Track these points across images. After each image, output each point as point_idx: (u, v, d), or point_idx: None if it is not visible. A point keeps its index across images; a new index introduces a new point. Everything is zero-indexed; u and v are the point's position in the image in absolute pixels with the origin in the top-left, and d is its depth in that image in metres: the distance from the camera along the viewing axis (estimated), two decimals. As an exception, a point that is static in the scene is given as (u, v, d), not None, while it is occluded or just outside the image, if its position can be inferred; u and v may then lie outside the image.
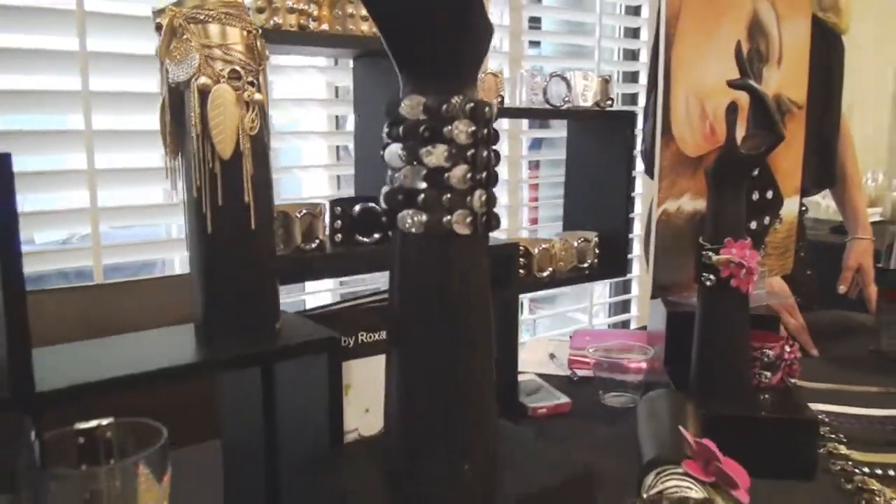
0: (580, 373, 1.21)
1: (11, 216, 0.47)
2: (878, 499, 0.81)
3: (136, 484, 0.41)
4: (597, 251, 0.92)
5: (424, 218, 0.46)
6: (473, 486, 0.48)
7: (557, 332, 2.19)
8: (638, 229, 2.21)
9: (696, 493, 0.62)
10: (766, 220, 1.10)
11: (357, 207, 0.74)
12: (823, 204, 2.94)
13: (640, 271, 2.35)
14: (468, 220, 0.46)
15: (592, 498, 0.53)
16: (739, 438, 0.85)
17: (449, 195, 0.46)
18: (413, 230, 0.46)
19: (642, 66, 2.29)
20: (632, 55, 2.38)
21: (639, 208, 2.25)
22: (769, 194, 1.10)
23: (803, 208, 1.73)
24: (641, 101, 2.24)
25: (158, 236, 1.67)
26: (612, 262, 0.94)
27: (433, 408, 0.48)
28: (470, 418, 0.49)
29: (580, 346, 1.25)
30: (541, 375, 1.20)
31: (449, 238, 0.46)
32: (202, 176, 0.55)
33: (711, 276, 0.89)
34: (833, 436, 0.97)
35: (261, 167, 0.57)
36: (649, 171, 1.21)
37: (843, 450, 0.93)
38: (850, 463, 0.90)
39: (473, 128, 0.46)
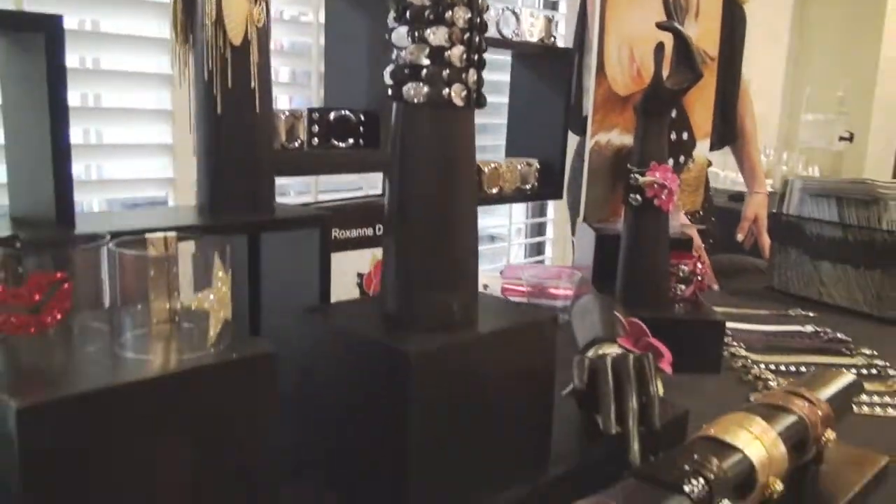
0: (513, 300, 1.32)
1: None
2: (772, 383, 0.95)
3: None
4: (537, 175, 1.03)
5: (426, 90, 0.54)
6: (459, 318, 0.57)
7: (489, 267, 2.33)
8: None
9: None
10: (682, 158, 1.24)
11: (333, 115, 0.81)
12: (722, 175, 3.18)
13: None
14: (463, 93, 0.55)
15: (554, 339, 0.63)
16: (660, 339, 0.97)
17: (448, 71, 0.54)
18: (416, 100, 0.55)
19: (560, 16, 2.45)
20: (552, 5, 2.55)
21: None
22: (684, 136, 1.23)
23: (709, 164, 1.90)
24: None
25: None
26: (549, 186, 1.05)
27: (429, 259, 0.57)
28: (459, 268, 0.58)
29: (512, 276, 1.36)
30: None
31: (447, 108, 0.55)
32: (214, 60, 0.62)
33: (638, 197, 1.01)
34: (734, 343, 1.12)
35: (264, 56, 0.64)
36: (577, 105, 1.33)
37: (742, 352, 1.08)
38: (749, 361, 1.04)
39: (469, 14, 0.54)
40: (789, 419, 0.63)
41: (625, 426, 0.63)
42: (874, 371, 1.03)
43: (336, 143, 0.81)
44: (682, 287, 1.08)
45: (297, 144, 0.78)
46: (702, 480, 0.51)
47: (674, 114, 1.20)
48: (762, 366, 1.03)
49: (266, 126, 0.66)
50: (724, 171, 3.15)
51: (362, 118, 0.82)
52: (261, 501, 0.48)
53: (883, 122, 3.97)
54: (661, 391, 0.79)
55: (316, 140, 0.80)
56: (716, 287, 1.52)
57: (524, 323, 0.61)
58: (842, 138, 3.77)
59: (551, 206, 2.58)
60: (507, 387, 0.60)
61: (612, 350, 0.76)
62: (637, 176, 1.00)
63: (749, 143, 1.85)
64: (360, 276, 0.85)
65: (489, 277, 1.47)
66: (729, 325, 1.21)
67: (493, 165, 0.96)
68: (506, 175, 1.00)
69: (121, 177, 1.57)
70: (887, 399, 0.93)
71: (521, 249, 2.69)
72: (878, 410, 0.90)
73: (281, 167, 0.75)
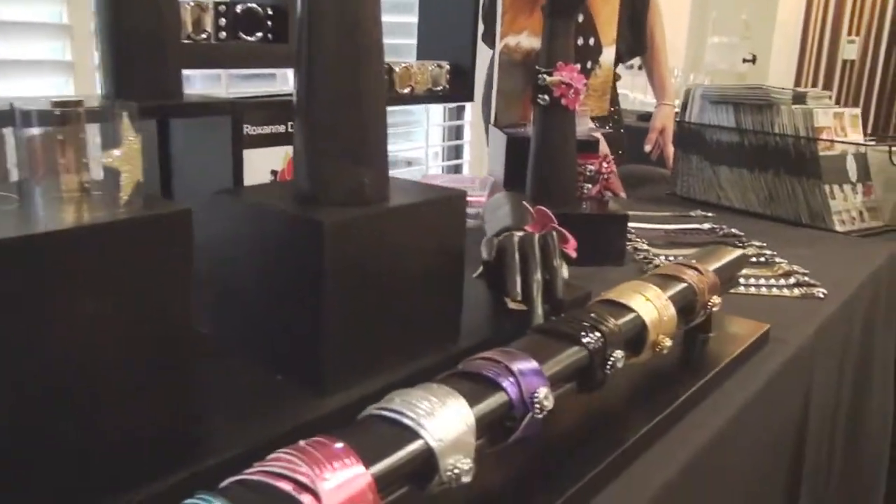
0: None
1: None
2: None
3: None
4: (448, 77, 1.04)
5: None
6: (371, 194, 0.59)
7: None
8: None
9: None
10: (588, 64, 1.27)
11: (239, 7, 0.80)
12: (632, 96, 3.25)
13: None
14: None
15: (463, 214, 0.66)
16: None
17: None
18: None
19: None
20: None
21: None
22: (591, 41, 1.26)
23: (618, 78, 1.95)
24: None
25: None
26: (461, 88, 1.06)
27: (339, 135, 0.58)
28: (368, 144, 0.59)
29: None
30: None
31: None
32: (112, -61, 0.60)
33: (545, 97, 1.04)
34: (637, 239, 1.18)
35: (166, -62, 0.63)
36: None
37: (644, 246, 1.14)
38: (650, 254, 1.11)
39: None
40: (679, 286, 0.69)
41: (529, 298, 0.67)
42: (762, 259, 1.11)
43: (244, 36, 0.80)
44: (589, 186, 1.13)
45: (203, 37, 0.77)
46: (597, 334, 0.56)
47: (581, 18, 1.22)
48: (662, 257, 1.09)
49: (173, 13, 0.65)
50: (633, 93, 3.23)
51: (269, 11, 0.82)
52: (183, 368, 0.50)
53: (783, 45, 4.12)
54: (566, 273, 0.83)
55: (223, 33, 0.79)
56: (622, 195, 1.59)
57: (434, 199, 0.63)
58: (745, 60, 3.91)
59: (468, 108, 2.58)
60: (419, 260, 0.63)
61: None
62: (544, 76, 1.03)
63: (658, 55, 1.90)
64: (273, 173, 0.85)
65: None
66: (632, 224, 1.27)
67: (403, 65, 0.97)
68: (417, 76, 1.01)
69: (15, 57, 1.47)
70: (773, 281, 1.01)
71: (439, 171, 2.71)
72: (763, 290, 0.98)
73: (188, 59, 0.74)
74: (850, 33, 4.12)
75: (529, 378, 0.48)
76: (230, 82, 1.80)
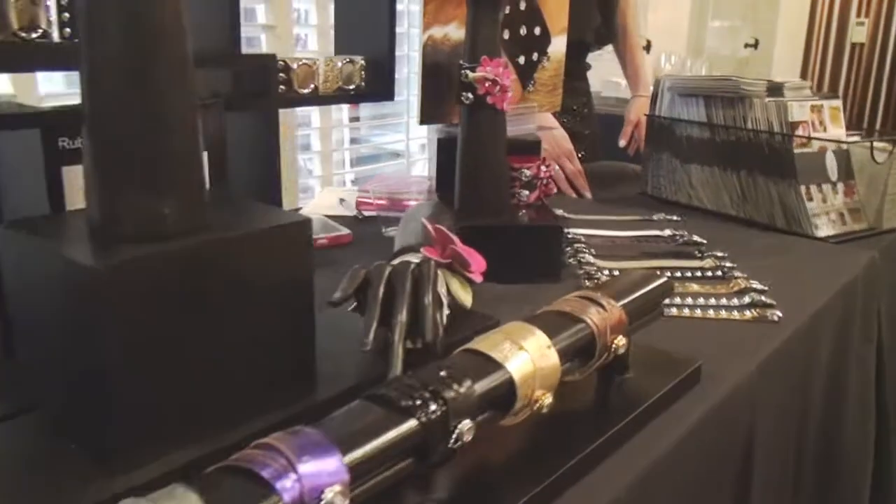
0: (367, 213, 1.25)
1: None
2: (609, 290, 0.91)
3: None
4: (363, 73, 0.93)
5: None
6: (177, 225, 0.49)
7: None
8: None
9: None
10: (535, 56, 1.16)
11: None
12: (623, 83, 3.11)
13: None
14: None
15: (308, 244, 0.55)
16: (495, 248, 0.91)
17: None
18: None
19: None
20: None
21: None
22: (537, 30, 1.15)
23: (589, 66, 1.83)
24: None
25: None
26: (379, 85, 0.95)
27: (131, 159, 0.48)
28: (170, 167, 0.49)
29: (367, 189, 1.28)
30: (330, 217, 1.23)
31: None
32: None
33: (469, 95, 0.93)
34: (586, 249, 1.07)
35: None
36: None
37: (590, 258, 1.03)
38: (594, 268, 0.99)
39: None
40: (574, 328, 0.58)
41: (391, 344, 0.57)
42: (719, 273, 0.99)
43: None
44: (526, 192, 1.01)
45: (37, 34, 0.67)
46: (435, 405, 0.45)
47: (523, 5, 1.11)
48: (606, 272, 0.98)
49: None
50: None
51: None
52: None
53: (788, 27, 3.96)
54: (468, 302, 0.73)
55: (68, 30, 0.69)
56: (588, 195, 1.47)
57: (265, 229, 0.53)
58: (747, 45, 3.75)
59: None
60: (249, 300, 0.52)
61: (415, 260, 0.69)
62: (468, 72, 0.92)
63: (631, 42, 1.77)
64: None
65: (348, 192, 1.39)
66: (584, 231, 1.16)
67: (303, 62, 0.86)
68: (325, 73, 0.90)
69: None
70: (724, 301, 0.89)
71: (425, 165, 2.59)
72: (710, 313, 0.87)
73: (16, 62, 0.64)
74: (858, 15, 3.95)
75: (315, 477, 0.37)
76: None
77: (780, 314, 0.85)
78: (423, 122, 1.02)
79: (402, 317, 0.58)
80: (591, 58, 1.80)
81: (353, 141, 2.41)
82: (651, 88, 1.87)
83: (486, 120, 0.94)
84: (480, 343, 0.52)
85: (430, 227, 0.74)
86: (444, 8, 0.99)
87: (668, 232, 1.18)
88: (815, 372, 0.96)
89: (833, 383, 1.03)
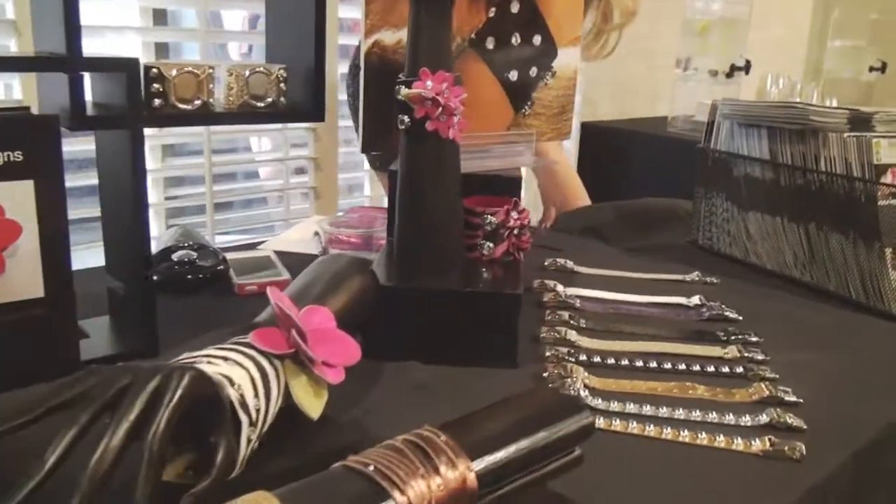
0: (334, 251, 1.05)
1: None
2: (575, 384, 0.67)
3: None
4: (283, 87, 0.74)
5: None
6: None
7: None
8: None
9: (214, 367, 0.46)
10: (533, 71, 0.93)
11: None
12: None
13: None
14: None
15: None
16: (428, 318, 0.70)
17: None
18: None
19: None
20: None
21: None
22: (536, 40, 0.92)
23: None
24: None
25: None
26: (304, 102, 0.76)
27: None
28: None
29: (340, 223, 1.08)
30: (293, 253, 1.04)
31: None
32: None
33: (405, 118, 0.71)
34: (574, 320, 0.82)
35: None
36: None
37: (572, 335, 0.78)
38: (572, 349, 0.75)
39: None
40: None
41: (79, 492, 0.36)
42: (739, 370, 0.73)
43: None
44: (490, 245, 0.79)
45: None
46: None
47: (515, 7, 0.88)
48: (583, 356, 0.74)
49: None
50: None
51: None
52: None
53: (924, 50, 3.48)
54: (314, 411, 0.52)
55: None
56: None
57: None
58: (872, 68, 3.31)
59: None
60: None
61: (231, 355, 0.49)
62: (402, 87, 0.70)
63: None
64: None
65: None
66: (584, 292, 0.92)
67: (186, 69, 0.67)
68: (227, 84, 0.71)
69: None
70: (730, 418, 0.63)
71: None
72: (702, 439, 0.61)
73: None
74: None
75: None
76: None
77: (805, 450, 0.59)
78: (364, 149, 0.81)
79: (106, 458, 0.37)
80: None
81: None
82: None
83: (428, 150, 0.72)
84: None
85: (272, 299, 0.53)
86: (396, 7, 0.79)
87: (695, 300, 0.91)
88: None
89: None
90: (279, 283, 0.90)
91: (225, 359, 0.47)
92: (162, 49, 1.89)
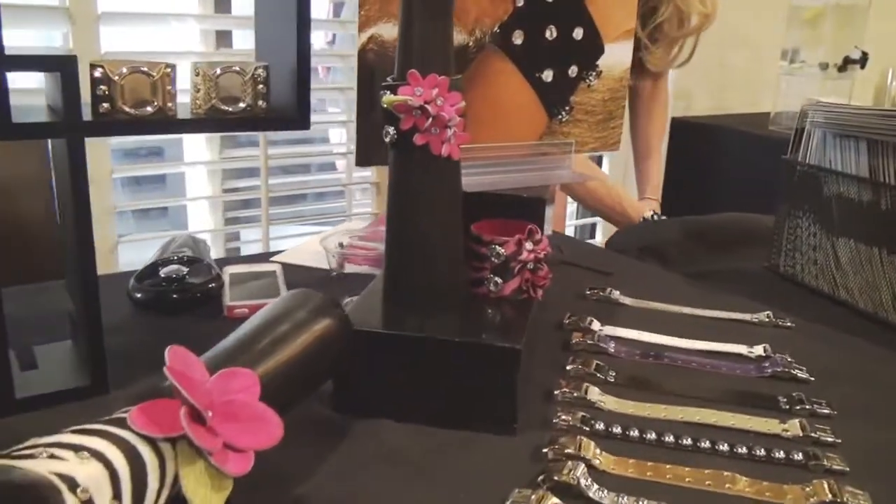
0: (350, 269, 0.95)
1: None
2: (564, 470, 0.53)
3: None
4: (261, 88, 0.64)
5: None
6: None
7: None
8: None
9: (73, 465, 0.36)
10: (573, 69, 0.79)
11: None
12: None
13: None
14: None
15: None
16: (412, 370, 0.58)
17: None
18: None
19: None
20: None
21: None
22: (577, 33, 0.78)
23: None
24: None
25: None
26: (283, 105, 0.65)
27: None
28: None
29: (358, 237, 0.98)
30: (299, 268, 0.95)
31: None
32: None
33: (390, 129, 0.59)
34: (600, 372, 0.69)
35: None
36: None
37: (594, 393, 0.65)
38: (589, 412, 0.62)
39: None
40: None
41: None
42: (798, 456, 0.57)
43: None
44: (499, 281, 0.66)
45: None
46: None
47: (550, -4, 0.75)
48: (601, 424, 0.60)
49: None
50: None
51: None
52: None
53: None
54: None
55: None
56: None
57: None
58: None
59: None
60: None
61: (91, 443, 0.39)
62: (387, 92, 0.58)
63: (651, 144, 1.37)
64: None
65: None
66: (625, 334, 0.78)
67: (143, 69, 0.58)
68: (195, 84, 0.61)
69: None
70: (767, 496, 0.49)
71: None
72: (731, 560, 0.47)
73: None
74: None
75: None
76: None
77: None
78: (360, 162, 0.70)
79: None
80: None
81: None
82: (660, 191, 1.46)
83: (416, 168, 0.60)
84: None
85: (167, 361, 0.43)
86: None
87: (759, 350, 0.76)
88: None
89: None
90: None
91: (78, 448, 0.37)
92: (224, 37, 1.84)
